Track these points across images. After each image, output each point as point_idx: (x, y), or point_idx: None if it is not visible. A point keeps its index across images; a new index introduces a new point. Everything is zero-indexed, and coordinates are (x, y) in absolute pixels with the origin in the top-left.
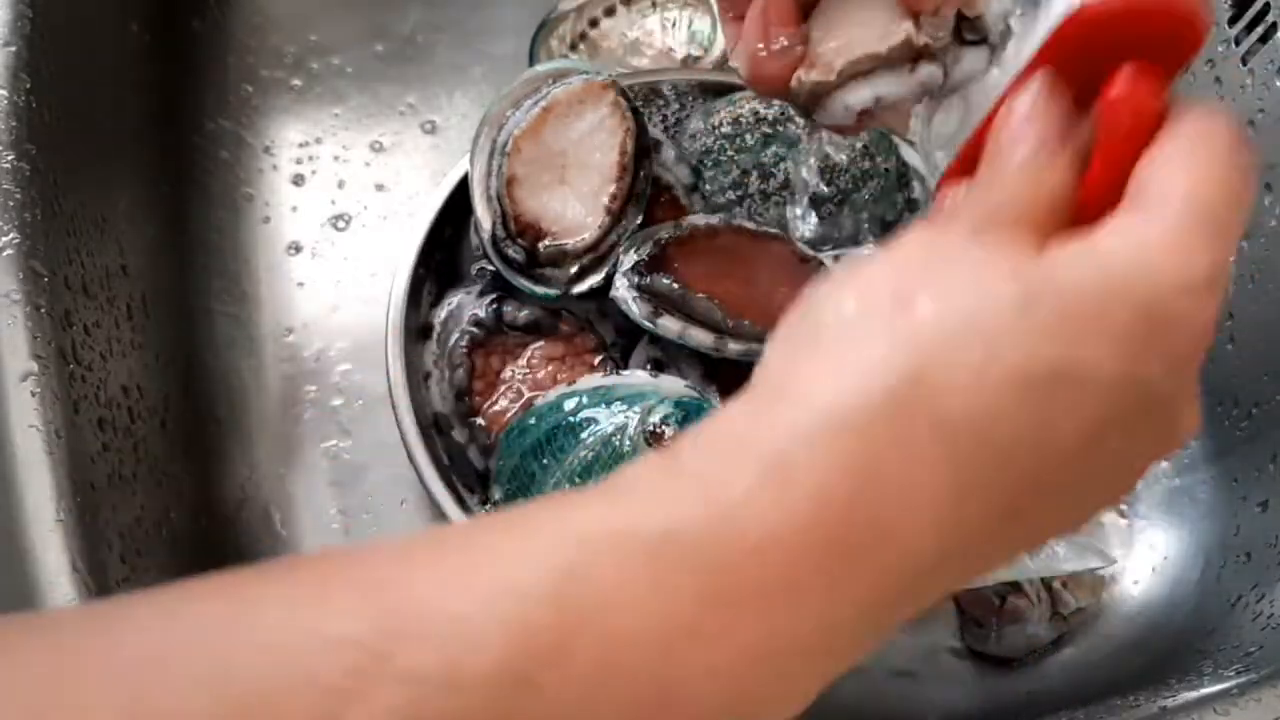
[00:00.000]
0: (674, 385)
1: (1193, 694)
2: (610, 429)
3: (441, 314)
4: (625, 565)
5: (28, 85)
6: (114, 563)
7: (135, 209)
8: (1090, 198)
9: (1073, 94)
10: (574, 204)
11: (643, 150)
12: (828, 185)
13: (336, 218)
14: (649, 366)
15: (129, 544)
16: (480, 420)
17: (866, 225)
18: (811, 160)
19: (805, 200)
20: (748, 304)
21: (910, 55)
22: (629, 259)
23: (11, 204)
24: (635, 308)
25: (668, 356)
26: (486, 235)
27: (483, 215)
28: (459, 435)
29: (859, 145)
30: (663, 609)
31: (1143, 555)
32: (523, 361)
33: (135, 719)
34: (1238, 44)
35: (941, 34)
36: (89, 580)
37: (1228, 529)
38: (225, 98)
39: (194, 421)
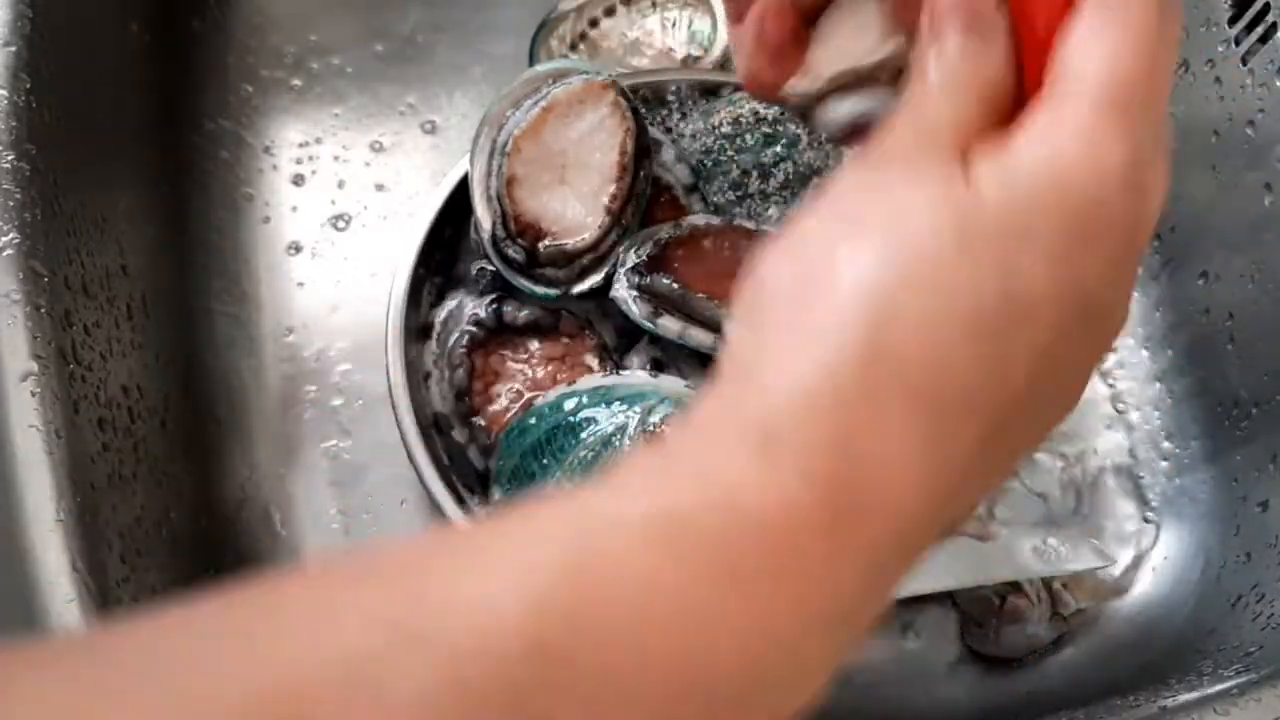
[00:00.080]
0: (674, 385)
1: (1193, 694)
2: (610, 429)
3: (441, 314)
4: (637, 545)
5: (28, 85)
6: (114, 563)
7: (135, 209)
8: (1019, 79)
9: None
10: (574, 204)
11: (643, 150)
12: None
13: (336, 218)
14: (649, 366)
15: (129, 544)
16: (480, 420)
17: None
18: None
19: None
20: None
21: (896, 73)
22: (629, 259)
23: (11, 204)
24: (635, 308)
25: (668, 356)
26: (486, 235)
27: (483, 215)
28: (459, 435)
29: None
30: (680, 584)
31: (1143, 555)
32: (523, 361)
33: (173, 711)
34: (1238, 44)
35: None
36: (89, 580)
37: (1228, 529)
38: (225, 98)
39: (194, 421)
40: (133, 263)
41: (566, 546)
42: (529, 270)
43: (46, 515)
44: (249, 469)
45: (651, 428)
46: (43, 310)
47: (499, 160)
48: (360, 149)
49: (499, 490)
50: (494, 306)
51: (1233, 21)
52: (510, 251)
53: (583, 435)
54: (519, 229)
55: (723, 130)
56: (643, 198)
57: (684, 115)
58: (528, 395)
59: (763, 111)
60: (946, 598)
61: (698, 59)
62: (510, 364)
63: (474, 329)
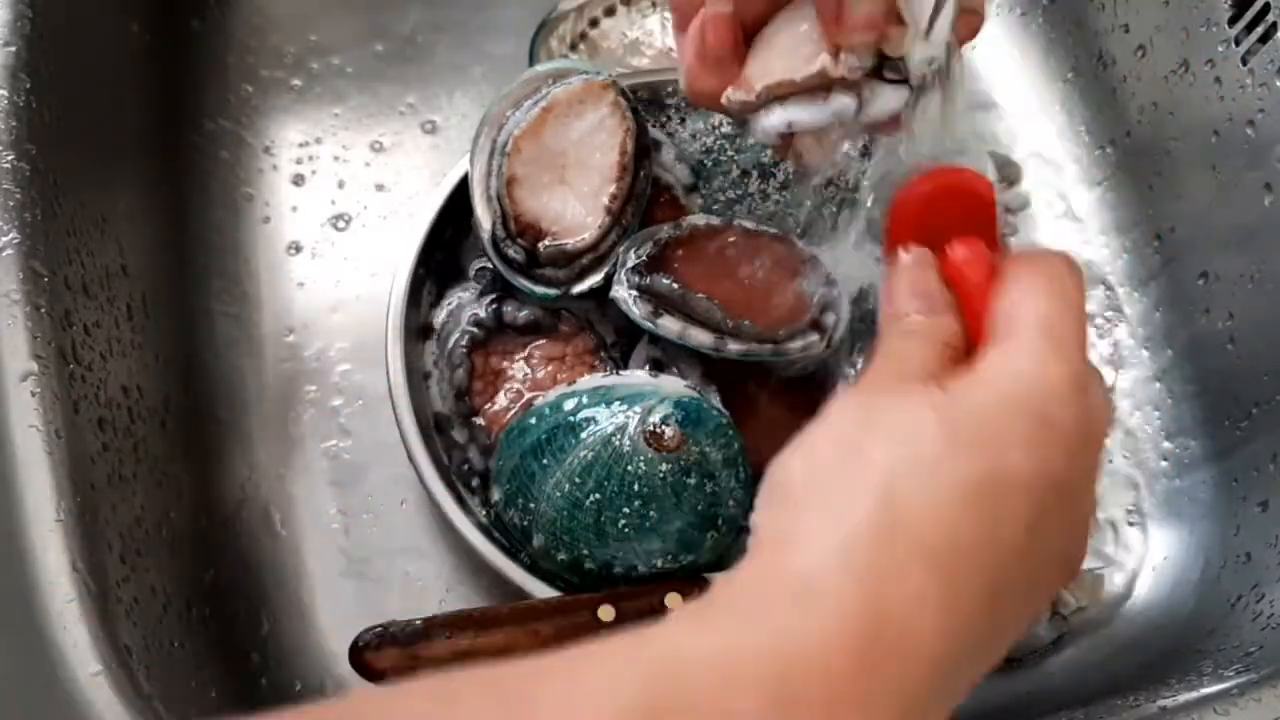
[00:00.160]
0: (674, 385)
1: (1193, 694)
2: (610, 429)
3: (441, 314)
4: (707, 674)
5: (28, 85)
6: (114, 563)
7: (135, 209)
8: (965, 333)
9: (928, 245)
10: (574, 204)
11: (643, 150)
12: None
13: (336, 218)
14: (649, 366)
15: (129, 544)
16: (480, 420)
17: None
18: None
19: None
20: (748, 304)
21: (824, 85)
22: (629, 259)
23: (11, 204)
24: (635, 308)
25: (668, 356)
26: (486, 235)
27: (483, 215)
28: (459, 435)
29: None
30: (753, 711)
31: (1143, 555)
32: (522, 361)
33: None
34: (1238, 44)
35: (857, 67)
36: (89, 580)
37: (1228, 529)
38: (225, 98)
39: (194, 421)
40: (133, 263)
41: (645, 676)
42: (529, 270)
43: (46, 515)
44: (249, 469)
45: (652, 427)
46: (43, 310)
47: (499, 160)
48: (360, 149)
49: (499, 490)
50: (494, 306)
51: (1233, 21)
52: (510, 251)
53: (583, 435)
54: (519, 229)
55: (723, 130)
56: (643, 198)
57: (684, 115)
58: (528, 395)
59: None
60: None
61: None
62: (510, 364)
63: (474, 329)
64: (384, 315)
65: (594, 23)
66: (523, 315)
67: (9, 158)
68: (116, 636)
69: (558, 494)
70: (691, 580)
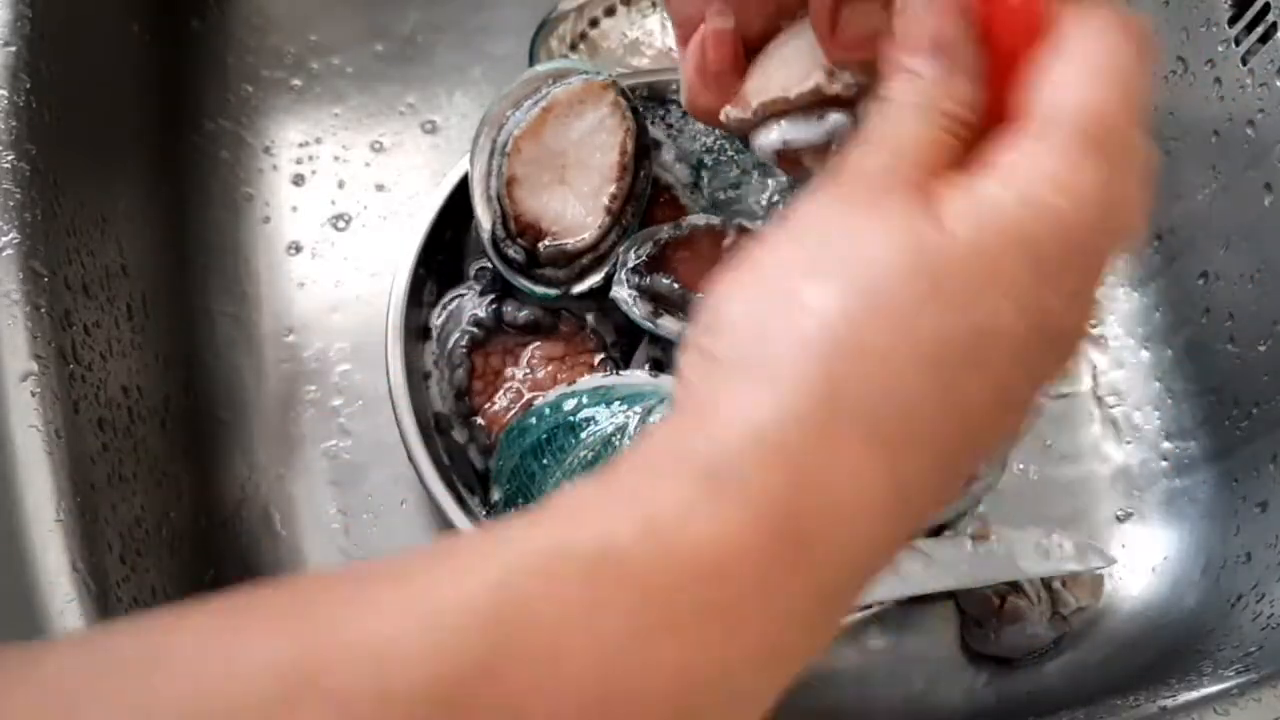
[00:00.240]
0: (674, 385)
1: (1193, 694)
2: (610, 429)
3: (441, 314)
4: (557, 584)
5: (28, 85)
6: (114, 563)
7: (135, 209)
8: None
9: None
10: (574, 204)
11: (643, 150)
12: None
13: (336, 218)
14: (649, 366)
15: (129, 544)
16: (480, 420)
17: None
18: None
19: None
20: None
21: (819, 103)
22: (629, 259)
23: (11, 204)
24: (635, 308)
25: (668, 356)
26: (486, 235)
27: (483, 215)
28: (459, 435)
29: None
30: (597, 629)
31: (1143, 555)
32: (523, 361)
33: None
34: (1238, 44)
35: (853, 84)
36: (89, 580)
37: (1228, 529)
38: (225, 98)
39: (194, 421)
40: (133, 263)
41: (481, 590)
42: (529, 270)
43: (46, 515)
44: (249, 469)
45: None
46: (43, 310)
47: (499, 160)
48: (360, 149)
49: (498, 490)
50: (494, 306)
51: (1233, 21)
52: (510, 251)
53: (583, 435)
54: (519, 229)
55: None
56: (643, 198)
57: (684, 115)
58: (528, 395)
59: None
60: (946, 598)
61: None
62: (510, 364)
63: (474, 329)
64: (384, 315)
65: (594, 23)
66: (523, 315)
67: (9, 158)
68: None
69: None
70: None
